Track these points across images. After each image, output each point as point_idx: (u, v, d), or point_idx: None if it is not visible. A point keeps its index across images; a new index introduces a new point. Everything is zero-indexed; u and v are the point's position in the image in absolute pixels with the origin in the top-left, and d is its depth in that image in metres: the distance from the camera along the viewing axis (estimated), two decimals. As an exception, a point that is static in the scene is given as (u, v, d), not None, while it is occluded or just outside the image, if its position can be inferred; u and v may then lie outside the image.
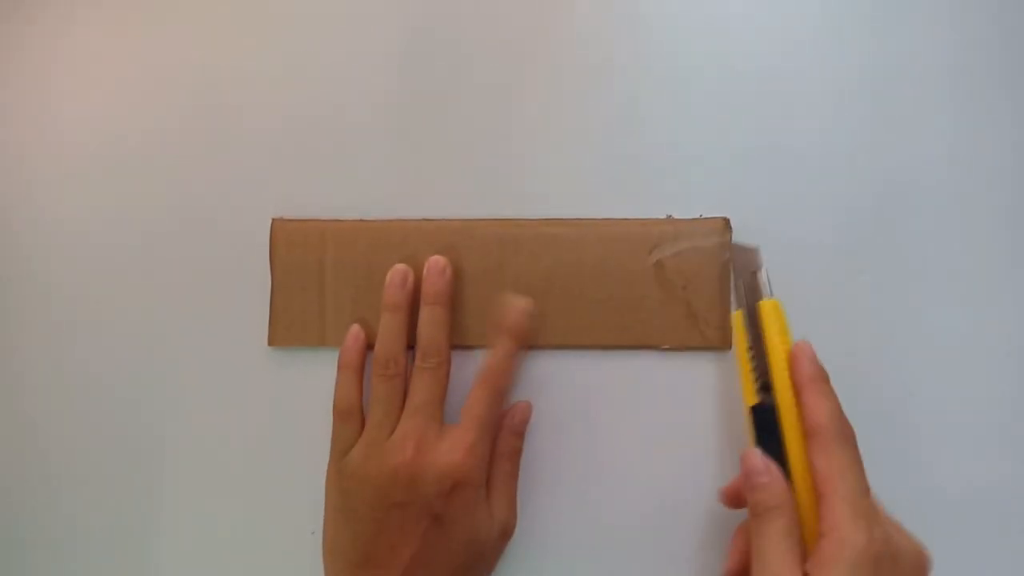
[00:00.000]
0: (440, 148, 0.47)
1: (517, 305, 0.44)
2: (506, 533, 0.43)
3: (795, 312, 0.44)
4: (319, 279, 0.46)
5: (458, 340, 0.45)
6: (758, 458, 0.37)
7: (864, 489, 0.35)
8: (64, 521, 0.47)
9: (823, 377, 0.38)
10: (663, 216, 0.45)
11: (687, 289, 0.45)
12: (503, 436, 0.44)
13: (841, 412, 0.37)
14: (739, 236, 0.45)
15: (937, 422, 0.44)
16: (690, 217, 0.45)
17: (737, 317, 0.42)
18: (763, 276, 0.42)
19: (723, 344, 0.45)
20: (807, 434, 0.37)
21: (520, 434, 0.44)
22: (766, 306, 0.41)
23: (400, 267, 0.44)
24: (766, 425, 0.39)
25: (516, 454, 0.44)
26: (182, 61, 0.49)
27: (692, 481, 0.44)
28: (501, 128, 0.47)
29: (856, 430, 0.43)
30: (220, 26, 0.49)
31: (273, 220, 0.46)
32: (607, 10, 0.47)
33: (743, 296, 0.42)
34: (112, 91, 0.49)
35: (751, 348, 0.41)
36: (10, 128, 0.49)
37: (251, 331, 0.46)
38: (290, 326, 0.46)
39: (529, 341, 0.44)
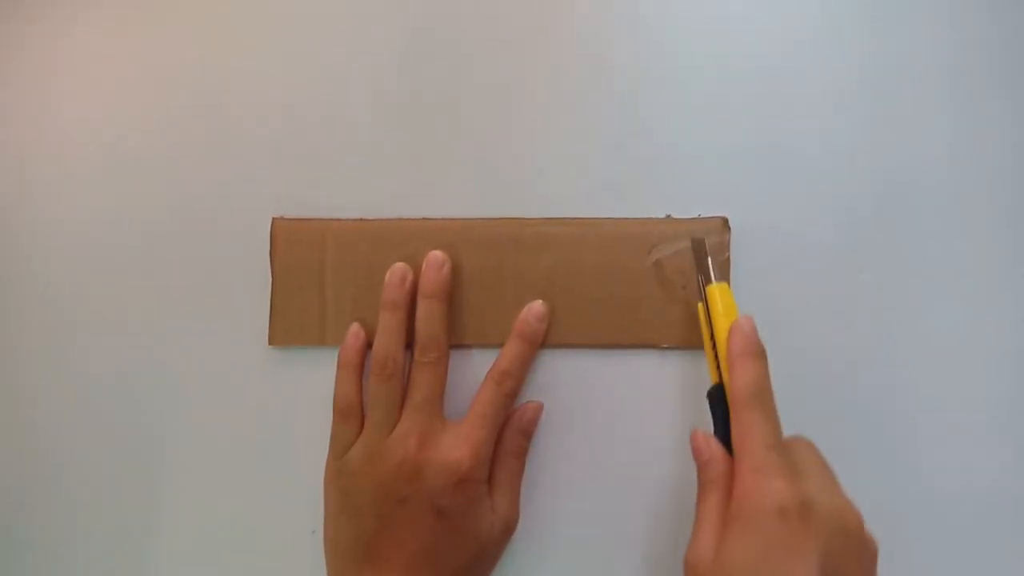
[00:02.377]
0: (440, 148, 0.47)
1: (533, 308, 0.44)
2: (508, 529, 0.43)
3: (795, 312, 0.44)
4: (319, 279, 0.46)
5: (458, 339, 0.45)
6: (699, 438, 0.39)
7: (769, 444, 0.35)
8: (64, 521, 0.47)
9: (750, 351, 0.38)
10: (662, 216, 0.45)
11: (687, 288, 0.45)
12: (511, 434, 0.44)
13: (760, 379, 0.37)
14: (740, 235, 0.45)
15: (936, 421, 0.44)
16: (689, 217, 0.45)
17: (700, 310, 0.42)
18: (708, 263, 0.42)
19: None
20: (731, 408, 0.37)
21: (528, 433, 0.44)
22: (712, 291, 0.41)
23: (399, 266, 0.44)
24: (721, 405, 0.40)
25: (522, 452, 0.44)
26: (182, 61, 0.48)
27: (691, 479, 0.44)
28: (501, 128, 0.47)
29: (856, 428, 0.44)
30: (220, 26, 0.48)
31: (274, 219, 0.46)
32: (607, 10, 0.47)
33: (702, 288, 0.42)
34: (112, 91, 0.49)
35: (711, 337, 0.41)
36: (10, 128, 0.49)
37: (251, 331, 0.46)
38: (290, 326, 0.46)
39: (541, 344, 0.45)
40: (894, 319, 0.45)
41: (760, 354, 0.38)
